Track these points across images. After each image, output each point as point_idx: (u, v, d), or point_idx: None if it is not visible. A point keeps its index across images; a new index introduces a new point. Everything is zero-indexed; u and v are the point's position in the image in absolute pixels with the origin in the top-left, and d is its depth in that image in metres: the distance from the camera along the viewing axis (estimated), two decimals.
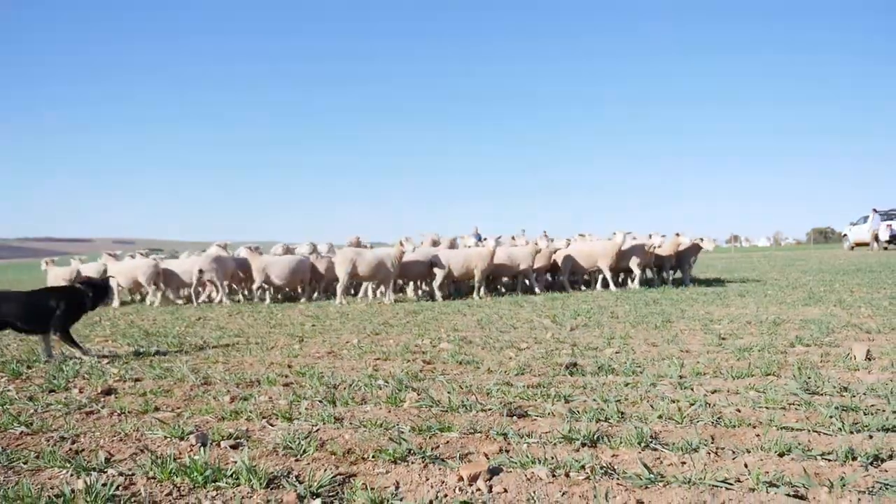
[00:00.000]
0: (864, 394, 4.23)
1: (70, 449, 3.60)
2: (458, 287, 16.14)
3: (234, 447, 3.54)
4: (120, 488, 2.96)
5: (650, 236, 15.65)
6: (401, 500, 2.72)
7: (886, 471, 2.89)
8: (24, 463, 3.37)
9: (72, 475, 3.13)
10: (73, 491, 2.85)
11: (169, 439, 3.73)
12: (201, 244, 17.48)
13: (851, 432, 3.44)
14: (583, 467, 3.02)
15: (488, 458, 3.23)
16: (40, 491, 2.87)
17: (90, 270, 15.68)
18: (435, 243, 16.61)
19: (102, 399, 4.85)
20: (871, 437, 3.36)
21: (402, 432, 3.70)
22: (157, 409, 4.50)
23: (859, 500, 2.57)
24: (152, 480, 3.05)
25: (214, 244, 16.03)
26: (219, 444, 3.58)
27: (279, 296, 16.39)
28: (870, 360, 5.38)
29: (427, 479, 2.97)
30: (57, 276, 16.39)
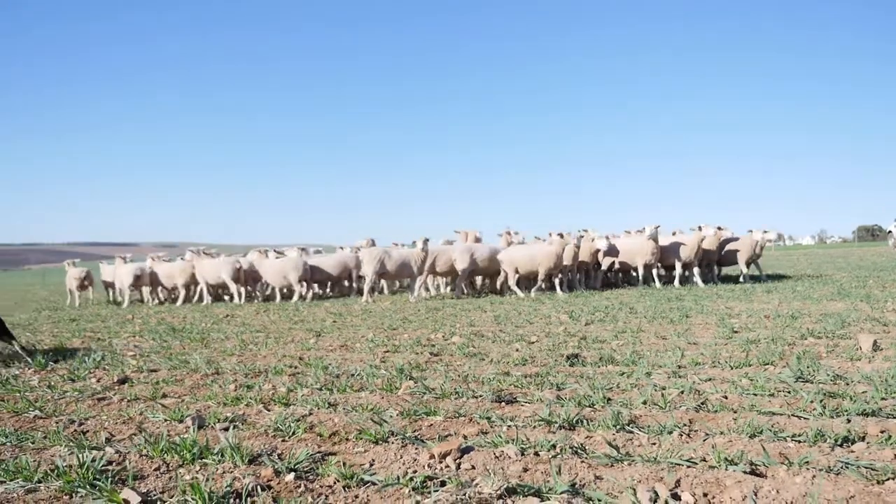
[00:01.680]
0: (858, 382, 4.22)
1: (76, 430, 3.81)
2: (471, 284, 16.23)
3: (227, 429, 3.70)
4: (112, 464, 3.13)
5: (699, 228, 15.08)
6: (371, 475, 2.84)
7: (853, 451, 2.91)
8: (32, 443, 3.58)
9: (71, 453, 3.31)
10: (68, 465, 3.03)
11: (168, 422, 3.91)
12: (240, 247, 18.07)
13: (832, 417, 3.46)
14: (553, 447, 3.10)
15: (466, 439, 3.33)
16: (38, 465, 3.05)
17: (130, 271, 16.23)
18: (477, 240, 16.67)
19: (117, 387, 5.07)
20: (848, 420, 3.38)
21: (385, 416, 3.82)
22: (164, 395, 4.70)
23: (814, 476, 2.60)
24: (144, 457, 3.22)
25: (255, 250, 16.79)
26: (213, 427, 3.75)
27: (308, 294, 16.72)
28: (876, 350, 5.34)
29: (401, 458, 3.08)
30: (71, 276, 17.30)
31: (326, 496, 2.67)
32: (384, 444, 3.31)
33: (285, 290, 16.21)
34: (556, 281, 14.35)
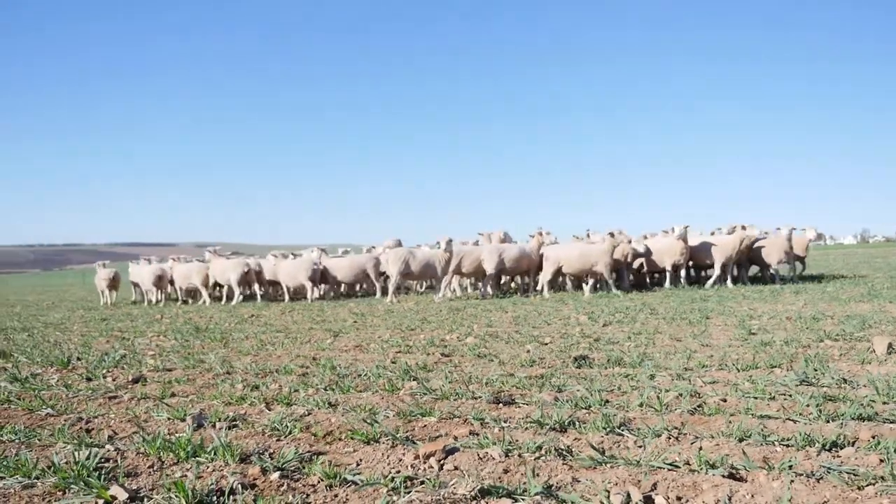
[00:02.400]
0: (863, 385, 4.16)
1: (82, 428, 3.93)
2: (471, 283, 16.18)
3: (228, 428, 3.78)
4: (109, 461, 3.23)
5: (741, 228, 14.62)
6: (355, 475, 2.88)
7: (840, 456, 2.88)
8: (39, 440, 3.70)
9: (74, 450, 3.41)
10: (66, 462, 3.13)
11: (171, 420, 4.01)
12: (282, 248, 18.39)
13: (827, 421, 3.42)
14: (539, 448, 3.12)
15: (456, 440, 3.36)
16: (36, 461, 3.16)
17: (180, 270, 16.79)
18: (503, 240, 16.63)
19: (130, 386, 5.20)
20: (842, 425, 3.33)
21: (381, 416, 3.87)
22: (173, 394, 4.81)
23: (792, 481, 2.58)
24: (141, 455, 3.31)
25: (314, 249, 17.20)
26: (214, 426, 3.83)
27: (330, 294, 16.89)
28: (891, 353, 5.24)
29: (388, 458, 3.13)
30: (100, 277, 17.86)
31: (308, 495, 2.73)
32: (374, 445, 3.35)
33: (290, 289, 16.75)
34: (590, 281, 14.23)
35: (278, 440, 3.53)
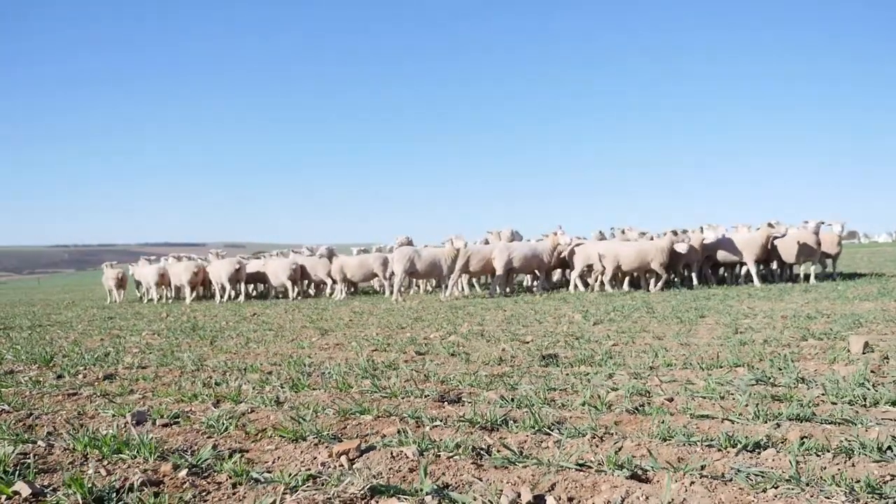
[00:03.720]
0: (819, 385, 4.03)
1: (26, 424, 3.96)
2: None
3: (165, 425, 3.80)
4: (35, 457, 3.24)
5: (769, 225, 14.10)
6: (263, 473, 2.86)
7: (759, 457, 2.79)
8: None
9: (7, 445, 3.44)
10: None
11: (116, 417, 4.03)
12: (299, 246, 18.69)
13: (764, 421, 3.32)
14: (457, 447, 3.07)
15: (384, 438, 3.33)
16: None
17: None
18: (512, 239, 16.54)
19: (97, 384, 5.25)
20: (778, 425, 3.23)
21: (324, 413, 3.85)
22: (132, 392, 4.85)
23: (692, 483, 2.50)
24: (67, 451, 3.33)
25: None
26: (154, 423, 3.85)
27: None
28: (866, 353, 5.09)
29: (303, 456, 3.10)
30: (108, 276, 18.78)
31: (209, 492, 2.72)
32: (299, 443, 3.33)
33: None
34: (653, 279, 13.98)
35: (209, 437, 3.53)
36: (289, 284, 16.44)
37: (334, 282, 16.58)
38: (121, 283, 18.03)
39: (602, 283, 14.33)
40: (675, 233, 13.72)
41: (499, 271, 14.52)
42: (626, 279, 14.86)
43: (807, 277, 14.52)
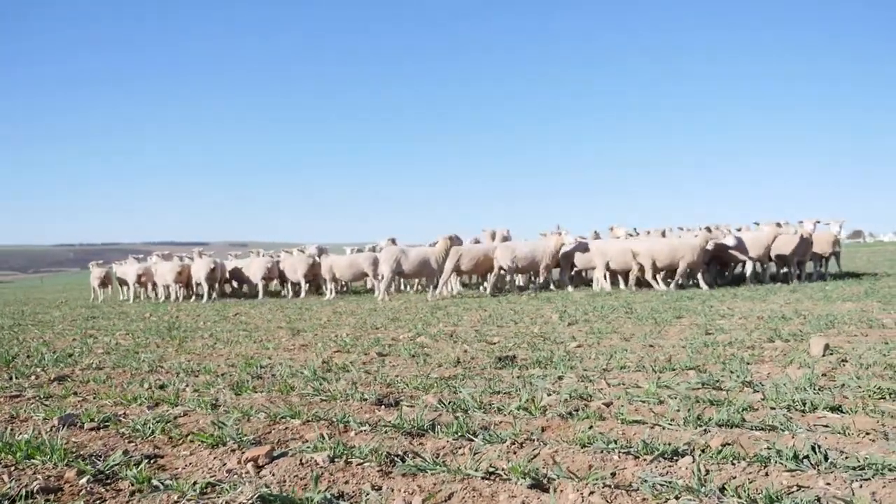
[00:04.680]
0: (761, 390, 3.93)
1: None
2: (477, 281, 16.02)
3: (93, 429, 3.73)
4: None
5: (777, 224, 13.92)
6: (165, 480, 2.79)
7: (673, 466, 2.70)
8: None
9: None
10: None
11: (48, 420, 3.96)
12: (310, 245, 18.72)
13: (695, 427, 3.23)
14: (372, 452, 2.99)
15: (305, 443, 3.25)
16: None
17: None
18: (505, 239, 16.49)
19: (46, 385, 5.18)
20: (706, 431, 3.14)
21: (254, 418, 3.78)
22: (75, 394, 4.78)
23: (591, 493, 2.42)
24: None
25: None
26: (82, 426, 3.78)
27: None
28: (826, 355, 5.00)
29: (212, 462, 3.03)
30: (94, 276, 19.09)
31: (105, 500, 2.65)
32: (216, 448, 3.25)
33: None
34: (700, 275, 13.69)
35: (130, 441, 3.46)
36: (260, 284, 16.50)
37: (324, 281, 16.62)
38: (105, 282, 18.23)
39: (637, 281, 14.21)
40: (708, 229, 13.50)
41: (505, 269, 14.54)
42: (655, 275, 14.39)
43: (799, 277, 14.35)
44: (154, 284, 18.09)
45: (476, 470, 2.71)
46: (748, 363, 4.83)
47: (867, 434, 2.99)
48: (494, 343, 6.61)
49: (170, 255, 18.33)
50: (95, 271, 18.52)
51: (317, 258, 16.79)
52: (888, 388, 3.72)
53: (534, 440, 3.14)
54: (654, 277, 13.83)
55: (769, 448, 2.77)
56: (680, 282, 13.77)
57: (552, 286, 15.33)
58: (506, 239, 16.46)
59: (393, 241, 15.47)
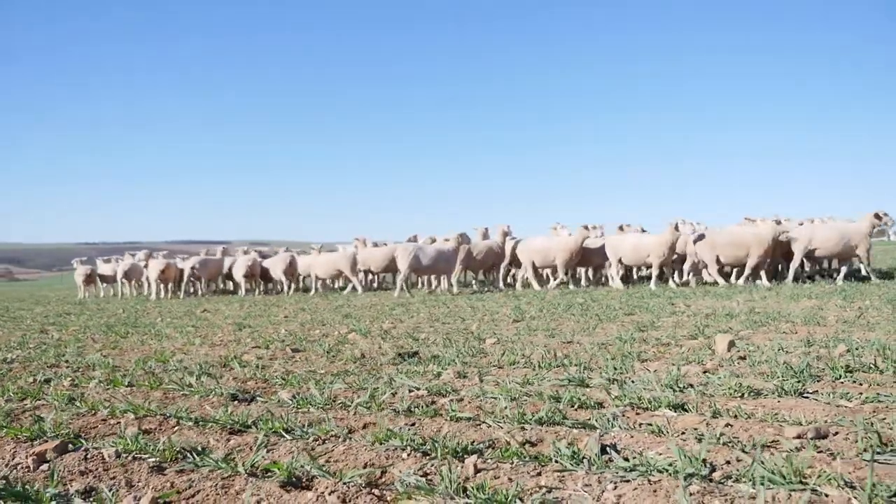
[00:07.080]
0: (623, 386, 3.77)
1: None
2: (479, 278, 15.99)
3: None
4: None
5: (776, 221, 13.50)
6: None
7: (461, 464, 2.56)
8: None
9: None
10: None
11: None
12: (329, 243, 18.86)
13: (516, 423, 3.08)
14: (167, 447, 2.88)
15: (121, 438, 3.15)
16: None
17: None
18: (505, 234, 16.46)
19: None
20: (523, 429, 2.99)
21: (100, 411, 3.70)
22: None
23: (333, 492, 2.29)
24: None
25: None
26: None
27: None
28: (729, 351, 4.83)
29: (7, 456, 2.95)
30: (78, 273, 19.37)
31: None
32: (26, 444, 3.16)
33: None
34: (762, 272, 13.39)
35: None
36: (242, 281, 16.66)
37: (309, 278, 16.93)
38: (89, 279, 18.48)
39: (700, 278, 14.04)
40: (778, 222, 13.22)
41: (526, 265, 15.19)
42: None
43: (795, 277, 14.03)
44: (139, 283, 18.43)
45: (244, 467, 2.58)
46: (644, 360, 4.67)
47: (682, 434, 2.82)
48: (419, 339, 6.49)
49: (150, 253, 18.54)
50: (80, 269, 19.02)
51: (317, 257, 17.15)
52: (749, 387, 3.54)
53: (338, 437, 3.01)
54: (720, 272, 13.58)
55: (558, 448, 2.60)
56: (749, 277, 13.38)
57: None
58: (506, 235, 16.43)
59: (415, 238, 15.71)
